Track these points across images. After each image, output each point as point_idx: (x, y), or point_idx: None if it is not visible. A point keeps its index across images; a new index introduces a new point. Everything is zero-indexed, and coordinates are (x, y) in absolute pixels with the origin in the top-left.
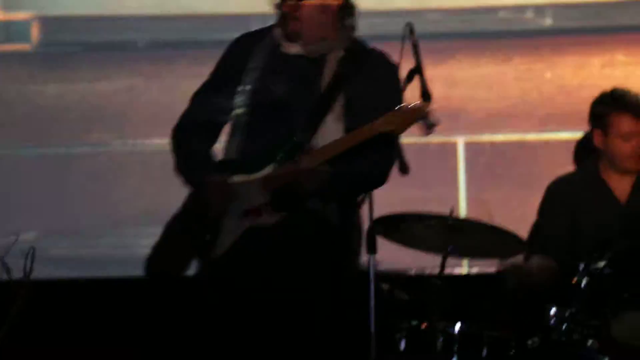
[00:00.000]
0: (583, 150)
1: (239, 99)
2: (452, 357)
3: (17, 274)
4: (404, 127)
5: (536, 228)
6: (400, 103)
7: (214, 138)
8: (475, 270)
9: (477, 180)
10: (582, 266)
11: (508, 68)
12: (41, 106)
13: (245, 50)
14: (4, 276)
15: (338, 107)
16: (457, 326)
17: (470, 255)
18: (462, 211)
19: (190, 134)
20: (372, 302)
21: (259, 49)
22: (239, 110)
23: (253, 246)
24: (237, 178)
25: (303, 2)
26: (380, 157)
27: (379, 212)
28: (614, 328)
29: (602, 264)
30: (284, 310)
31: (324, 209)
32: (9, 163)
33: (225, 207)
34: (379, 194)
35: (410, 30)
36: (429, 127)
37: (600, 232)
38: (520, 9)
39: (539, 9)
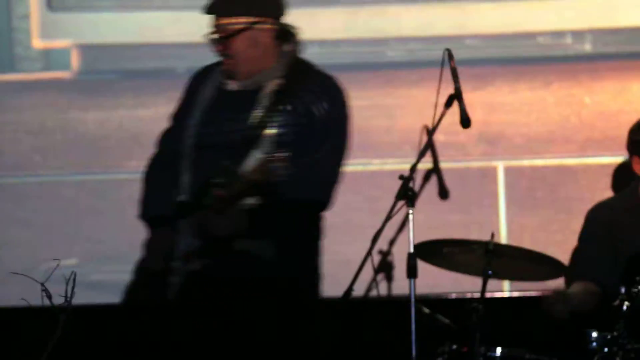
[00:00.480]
0: (623, 175)
1: (185, 135)
2: None
3: (57, 299)
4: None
5: (577, 253)
6: (340, 128)
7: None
8: (516, 294)
9: (517, 205)
10: (623, 290)
11: (547, 93)
12: (81, 133)
13: (198, 85)
14: (46, 302)
15: (268, 139)
16: (498, 350)
17: (510, 279)
18: (503, 235)
19: (154, 170)
20: (413, 326)
21: (208, 83)
22: (185, 146)
23: (194, 290)
24: (182, 222)
25: (232, 39)
26: (304, 188)
27: (420, 236)
28: None
29: None
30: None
31: (257, 246)
32: (51, 190)
33: (162, 259)
34: (419, 218)
35: (449, 55)
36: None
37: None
38: (560, 34)
39: (578, 34)
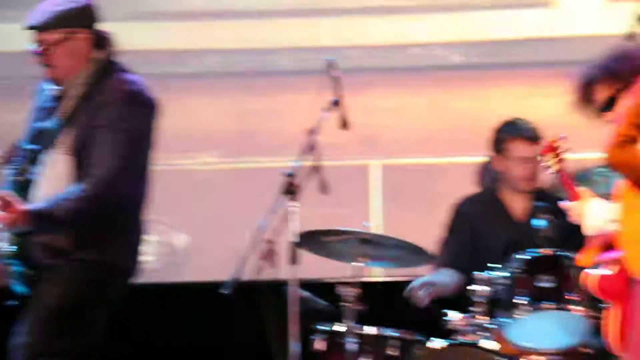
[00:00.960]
0: (485, 172)
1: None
2: (365, 356)
3: None
4: None
5: (442, 243)
6: (121, 129)
7: None
8: (387, 279)
9: (392, 200)
10: (481, 276)
11: (419, 99)
12: None
13: (43, 91)
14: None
15: (67, 141)
16: (369, 329)
17: (382, 265)
18: (378, 226)
19: None
20: (292, 308)
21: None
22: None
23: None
24: None
25: (52, 50)
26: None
27: (303, 227)
28: (509, 332)
29: (500, 273)
30: None
31: (53, 238)
32: None
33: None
34: (302, 211)
35: (331, 65)
36: None
37: (499, 246)
38: (430, 46)
39: (447, 46)
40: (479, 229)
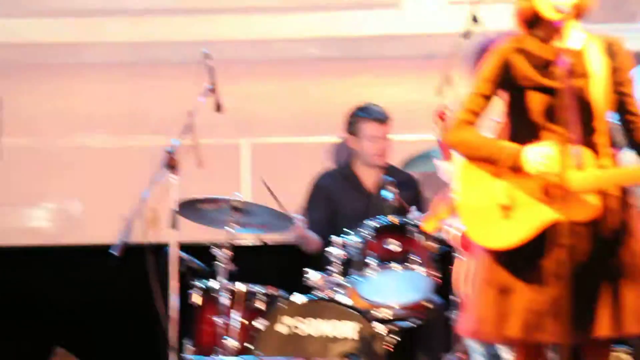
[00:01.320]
0: (340, 150)
1: None
2: (236, 309)
3: None
4: None
5: (304, 211)
6: None
7: None
8: (256, 242)
9: (260, 174)
10: (337, 240)
11: (284, 86)
12: None
13: None
14: None
15: None
16: (240, 285)
17: (251, 231)
18: (249, 198)
19: None
20: (172, 267)
21: None
22: None
23: None
24: None
25: None
26: None
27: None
28: (361, 289)
29: (354, 238)
30: None
31: None
32: None
33: None
34: (181, 183)
35: (206, 56)
36: None
37: (353, 214)
38: (293, 41)
39: (308, 41)
40: (335, 199)
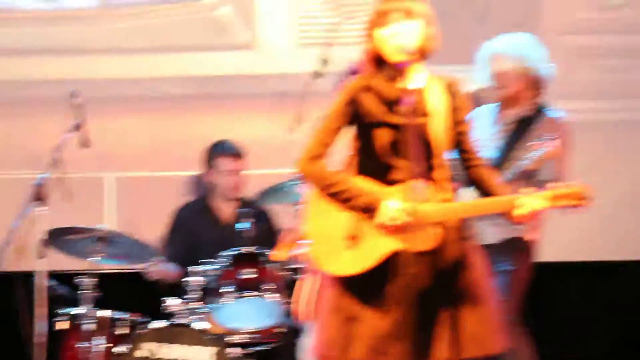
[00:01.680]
0: (198, 183)
1: None
2: (100, 335)
3: None
4: None
5: (165, 241)
6: None
7: None
8: (120, 270)
9: (125, 206)
10: (195, 268)
11: (147, 123)
12: None
13: None
14: None
15: None
16: (104, 312)
17: (115, 262)
18: (114, 226)
19: None
20: (39, 295)
21: None
22: None
23: None
24: None
25: None
26: None
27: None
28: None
29: (211, 267)
30: None
31: None
32: None
33: None
34: (49, 214)
35: (73, 94)
36: None
37: (210, 245)
38: (155, 80)
39: (169, 80)
40: (193, 230)
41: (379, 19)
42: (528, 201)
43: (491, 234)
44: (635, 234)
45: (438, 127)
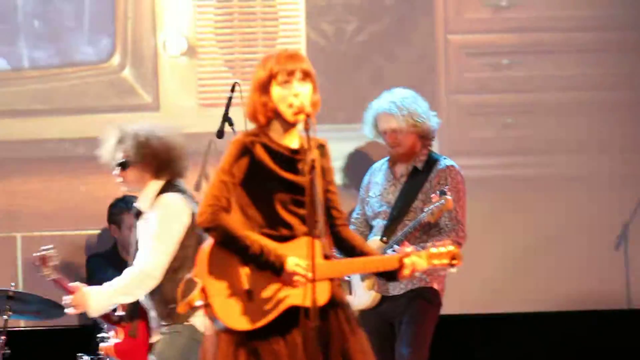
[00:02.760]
0: (105, 239)
1: None
2: None
3: None
4: None
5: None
6: None
7: None
8: (30, 328)
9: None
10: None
11: (54, 183)
12: None
13: None
14: None
15: None
16: None
17: (25, 318)
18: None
19: None
20: None
21: None
22: None
23: None
24: None
25: None
26: None
27: None
28: None
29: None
30: None
31: None
32: None
33: None
34: None
35: None
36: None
37: None
38: (62, 141)
39: (75, 141)
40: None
41: (280, 76)
42: (411, 260)
43: (395, 285)
44: (529, 285)
45: (319, 187)
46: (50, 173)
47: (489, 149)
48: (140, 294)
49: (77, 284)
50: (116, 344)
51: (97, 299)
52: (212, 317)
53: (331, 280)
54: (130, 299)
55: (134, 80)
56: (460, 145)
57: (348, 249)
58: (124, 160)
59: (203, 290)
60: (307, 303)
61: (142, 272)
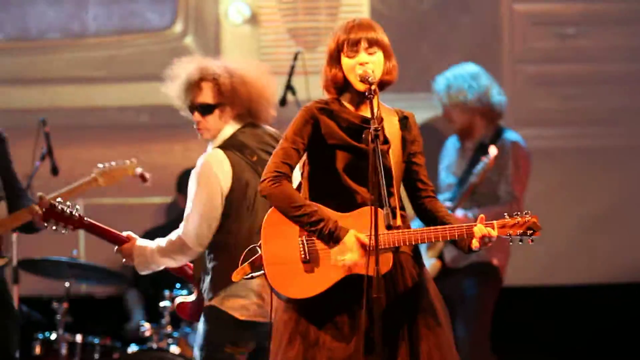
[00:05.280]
0: (172, 209)
1: None
2: (75, 359)
3: None
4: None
5: None
6: None
7: None
8: (92, 296)
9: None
10: (168, 294)
11: (114, 152)
12: None
13: None
14: None
15: None
16: (77, 337)
17: (89, 283)
18: (83, 255)
19: None
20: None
21: None
22: None
23: None
24: None
25: None
26: None
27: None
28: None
29: (183, 292)
30: None
31: None
32: None
33: None
34: (24, 239)
35: (42, 123)
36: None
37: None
38: (123, 109)
39: (137, 109)
40: None
41: (349, 46)
42: (480, 229)
43: (455, 258)
44: (595, 257)
45: (395, 156)
46: (112, 141)
47: (553, 119)
48: (182, 261)
49: (129, 233)
50: (184, 303)
51: (140, 254)
52: (270, 286)
53: (398, 250)
54: (173, 264)
55: (196, 48)
56: (524, 115)
57: (430, 221)
58: (205, 103)
59: (260, 258)
60: (369, 273)
61: (180, 238)
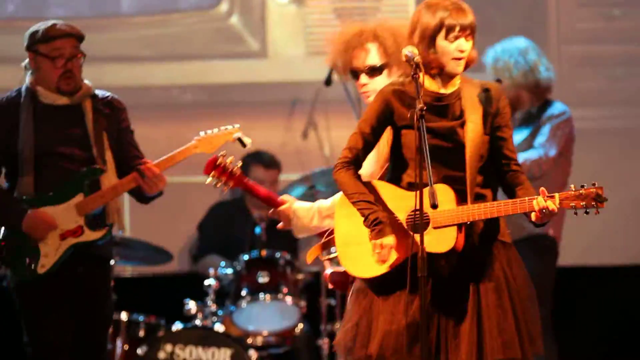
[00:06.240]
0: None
1: (20, 148)
2: (119, 337)
3: None
4: (214, 148)
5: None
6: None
7: None
8: (137, 274)
9: (139, 209)
10: (212, 272)
11: (160, 130)
12: None
13: (7, 112)
14: None
15: (106, 141)
16: (122, 315)
17: (134, 263)
18: (128, 232)
19: None
20: None
21: (22, 107)
22: (21, 157)
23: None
24: (49, 208)
25: (74, 60)
26: None
27: None
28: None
29: (228, 270)
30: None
31: None
32: None
33: (45, 234)
34: None
35: None
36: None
37: (241, 240)
38: (168, 87)
39: (182, 88)
40: (227, 225)
41: (452, 31)
42: (538, 203)
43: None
44: (637, 238)
45: (473, 132)
46: (157, 119)
47: (598, 100)
48: None
49: (285, 196)
50: (334, 273)
51: (300, 216)
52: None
53: (462, 227)
54: None
55: (242, 27)
56: (569, 96)
57: (510, 196)
58: (373, 65)
59: (332, 239)
60: (432, 249)
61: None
